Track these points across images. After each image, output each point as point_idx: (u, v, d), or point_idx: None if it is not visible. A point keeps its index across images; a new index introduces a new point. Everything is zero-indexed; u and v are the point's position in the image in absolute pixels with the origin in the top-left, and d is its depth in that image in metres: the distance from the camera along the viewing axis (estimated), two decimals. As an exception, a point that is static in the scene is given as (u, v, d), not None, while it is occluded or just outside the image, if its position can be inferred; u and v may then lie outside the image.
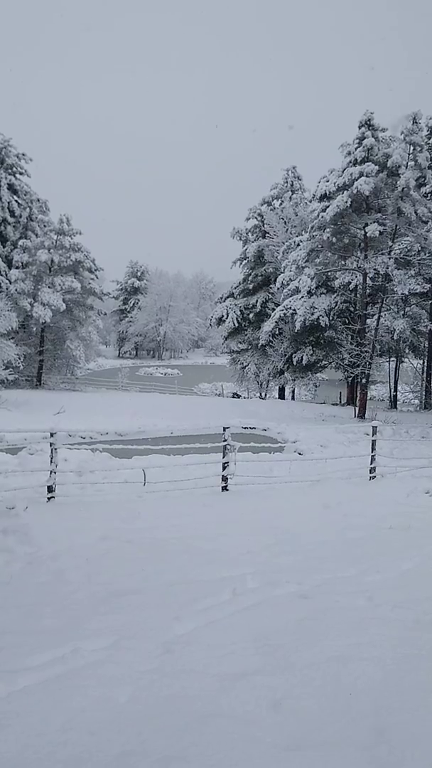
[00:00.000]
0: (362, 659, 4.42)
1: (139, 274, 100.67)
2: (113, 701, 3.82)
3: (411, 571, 6.61)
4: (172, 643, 4.64)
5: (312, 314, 32.07)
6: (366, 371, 28.53)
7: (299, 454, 17.21)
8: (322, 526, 8.87)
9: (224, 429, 11.67)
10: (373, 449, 12.99)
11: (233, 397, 44.06)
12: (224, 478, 11.55)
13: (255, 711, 3.72)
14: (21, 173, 41.92)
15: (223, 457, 11.56)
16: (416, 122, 26.67)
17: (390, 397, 36.67)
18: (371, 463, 12.98)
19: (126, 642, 4.63)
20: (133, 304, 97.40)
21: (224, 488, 11.50)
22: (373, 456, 12.98)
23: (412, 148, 26.35)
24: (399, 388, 37.55)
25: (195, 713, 3.68)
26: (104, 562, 6.75)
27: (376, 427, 13.31)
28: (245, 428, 22.81)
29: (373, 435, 13.03)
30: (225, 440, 11.55)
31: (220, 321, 42.49)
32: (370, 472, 12.92)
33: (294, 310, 32.87)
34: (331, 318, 32.58)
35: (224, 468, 11.57)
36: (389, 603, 5.56)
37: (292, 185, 43.53)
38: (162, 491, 11.03)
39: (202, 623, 5.05)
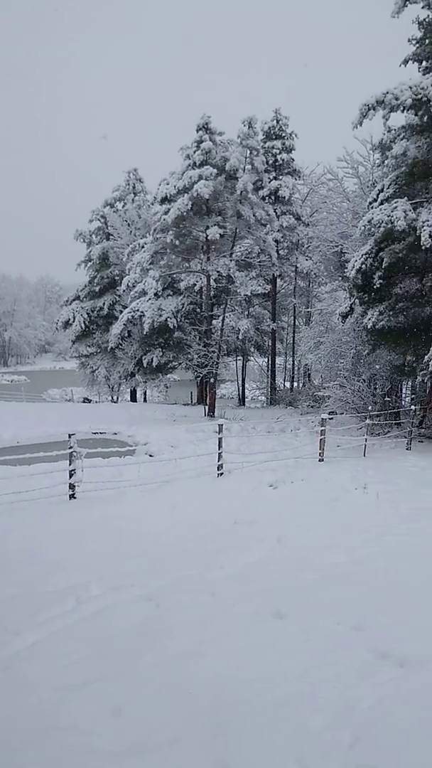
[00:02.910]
0: (204, 655, 4.51)
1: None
2: None
3: (253, 565, 6.82)
4: (12, 659, 4.50)
5: (160, 316, 32.25)
6: (214, 371, 29.12)
7: (150, 456, 17.25)
8: (170, 527, 8.95)
9: (69, 436, 11.46)
10: (220, 447, 13.27)
11: (84, 401, 43.41)
12: (71, 486, 11.34)
13: (95, 720, 3.70)
14: None
15: (70, 464, 11.35)
16: (251, 126, 27.48)
17: (238, 394, 37.71)
18: (219, 461, 13.26)
19: (-38, 664, 4.44)
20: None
21: (72, 496, 11.29)
22: (220, 453, 13.26)
23: (248, 152, 27.17)
24: (246, 385, 38.70)
25: (33, 729, 3.60)
26: None
27: (222, 425, 13.62)
28: (95, 433, 22.55)
29: (219, 433, 13.32)
30: (71, 447, 11.34)
31: (67, 324, 41.63)
32: (218, 470, 13.19)
33: (142, 312, 32.91)
34: (178, 319, 32.92)
35: (71, 476, 11.36)
36: (231, 598, 5.71)
37: (134, 187, 43.50)
38: (5, 504, 10.65)
39: (43, 635, 4.94)
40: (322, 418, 15.09)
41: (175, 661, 4.42)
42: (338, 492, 10.98)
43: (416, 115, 17.02)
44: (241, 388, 37.90)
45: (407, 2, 17.29)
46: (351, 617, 5.15)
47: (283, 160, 33.04)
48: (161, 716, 3.72)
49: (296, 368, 39.38)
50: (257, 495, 11.08)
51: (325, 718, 3.64)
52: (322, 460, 14.51)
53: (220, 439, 13.25)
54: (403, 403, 24.12)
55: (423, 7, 17.98)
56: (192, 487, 11.80)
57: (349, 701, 3.81)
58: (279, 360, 38.78)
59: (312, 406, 27.87)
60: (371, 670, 4.22)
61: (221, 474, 13.14)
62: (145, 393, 43.77)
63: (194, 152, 28.24)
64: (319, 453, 14.65)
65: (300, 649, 4.58)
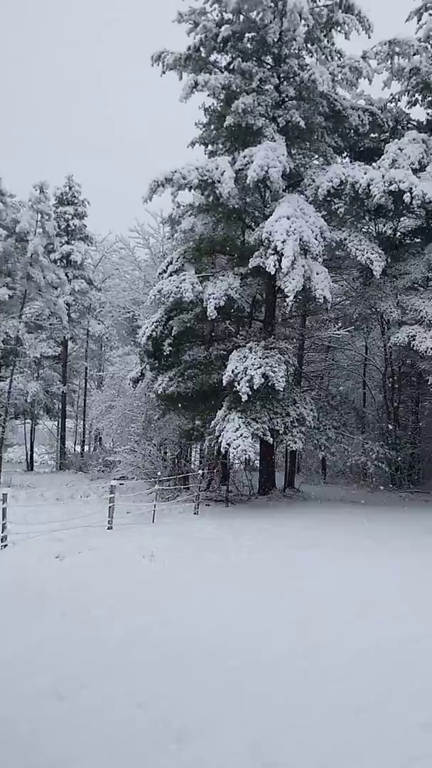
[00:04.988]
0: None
1: None
2: None
3: (38, 643, 6.49)
4: None
5: None
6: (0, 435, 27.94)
7: None
8: None
9: None
10: (4, 517, 12.64)
11: None
12: None
13: None
14: None
15: None
16: (43, 191, 27.50)
17: (27, 459, 36.42)
18: (2, 532, 12.62)
19: None
20: None
21: None
22: (4, 524, 12.63)
23: (39, 215, 27.09)
24: (36, 449, 37.52)
25: None
26: None
27: (7, 493, 13.03)
28: None
29: (4, 502, 12.70)
30: None
31: None
32: (1, 542, 12.53)
33: None
34: (-38, 381, 31.37)
35: None
36: (12, 679, 5.39)
37: None
38: None
39: None
40: (111, 485, 15.02)
41: None
42: (126, 561, 10.90)
43: (202, 194, 18.12)
44: (29, 452, 36.65)
45: (194, 90, 18.58)
46: (133, 692, 5.08)
47: (75, 225, 33.44)
48: None
49: (87, 432, 38.92)
50: (43, 567, 10.66)
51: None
52: (111, 527, 14.36)
53: (4, 509, 12.64)
54: (192, 467, 24.76)
55: (208, 95, 19.42)
56: (-28, 562, 11.08)
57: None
58: (70, 423, 38.18)
59: (103, 471, 27.64)
60: (152, 747, 4.16)
61: (5, 546, 12.53)
62: None
63: (-17, 211, 27.59)
64: (108, 521, 14.49)
65: (80, 730, 4.42)
